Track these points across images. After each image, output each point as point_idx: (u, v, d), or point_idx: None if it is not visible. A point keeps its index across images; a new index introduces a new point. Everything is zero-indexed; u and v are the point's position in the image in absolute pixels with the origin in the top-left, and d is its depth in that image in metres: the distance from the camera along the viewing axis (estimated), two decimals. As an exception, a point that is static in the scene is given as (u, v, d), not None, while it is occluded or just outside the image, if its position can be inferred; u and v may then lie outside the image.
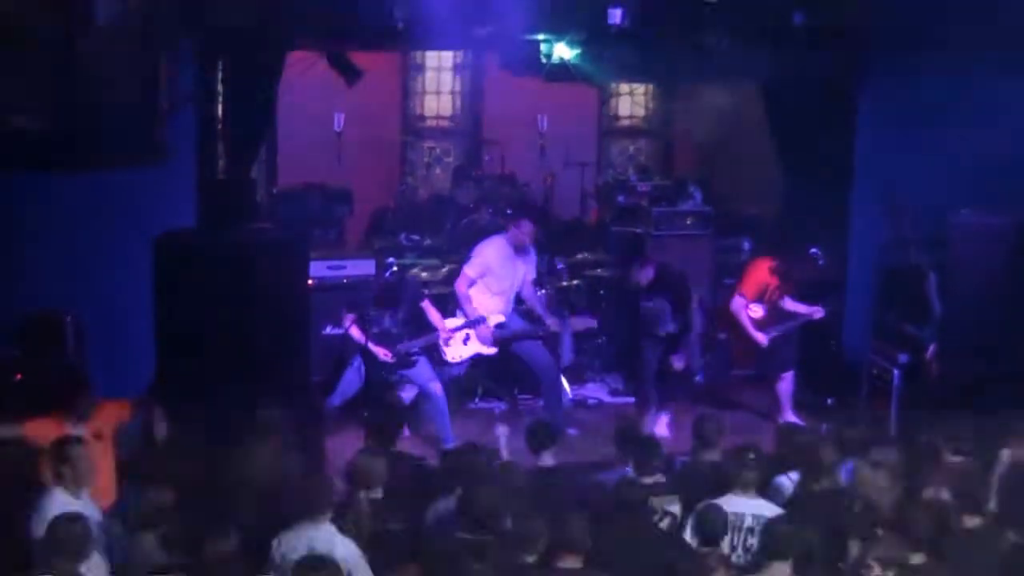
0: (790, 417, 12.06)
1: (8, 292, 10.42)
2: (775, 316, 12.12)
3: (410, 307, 11.62)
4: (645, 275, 11.86)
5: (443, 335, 11.71)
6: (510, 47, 12.21)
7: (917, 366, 11.67)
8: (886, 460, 8.70)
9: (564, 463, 9.35)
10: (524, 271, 12.18)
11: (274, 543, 7.53)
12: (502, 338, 11.97)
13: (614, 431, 9.37)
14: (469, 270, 12.00)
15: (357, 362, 11.38)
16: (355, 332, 11.28)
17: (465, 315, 11.91)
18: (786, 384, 12.24)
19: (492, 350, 12.02)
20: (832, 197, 13.05)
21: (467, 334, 11.91)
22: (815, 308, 12.23)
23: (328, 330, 12.40)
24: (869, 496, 8.24)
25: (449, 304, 12.63)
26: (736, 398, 12.95)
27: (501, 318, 11.95)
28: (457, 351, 12.00)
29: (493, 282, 11.99)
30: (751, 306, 12.07)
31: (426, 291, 12.36)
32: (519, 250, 12.05)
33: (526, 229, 12.01)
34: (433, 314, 11.80)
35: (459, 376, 12.34)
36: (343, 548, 7.43)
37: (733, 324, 12.15)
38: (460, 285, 11.99)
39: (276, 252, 9.99)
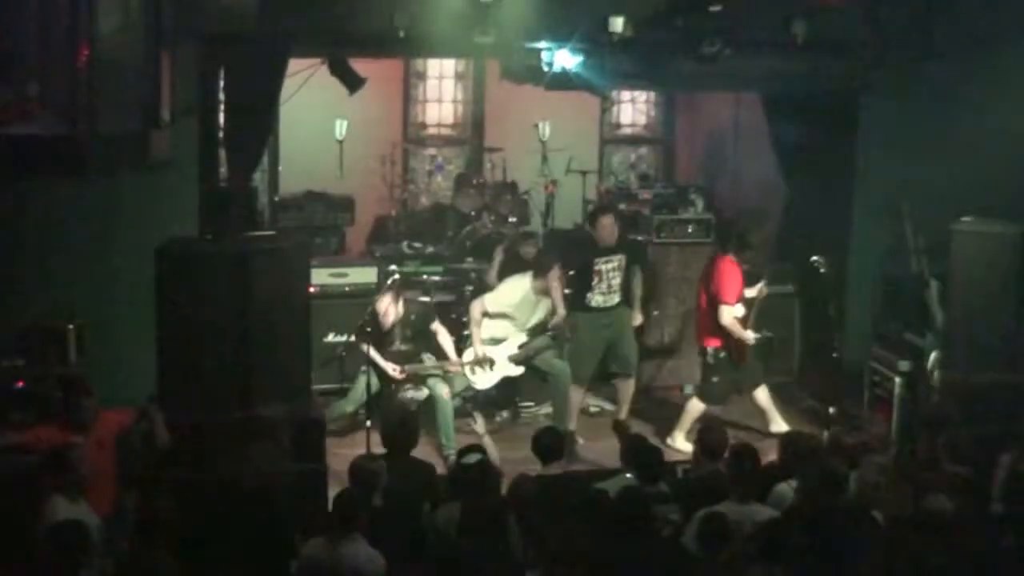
0: (782, 425, 12.06)
1: (10, 299, 10.43)
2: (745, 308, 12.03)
3: (422, 327, 11.68)
4: None
5: (451, 368, 11.76)
6: (512, 55, 12.22)
7: (919, 374, 11.65)
8: (887, 468, 8.72)
9: (567, 471, 9.35)
10: (540, 312, 12.12)
11: (302, 552, 7.57)
12: (525, 358, 12.01)
13: (620, 441, 9.37)
14: (489, 303, 11.94)
15: (368, 371, 11.38)
16: (368, 349, 11.29)
17: (472, 338, 11.94)
18: (764, 393, 12.23)
19: (519, 370, 12.05)
20: (833, 205, 13.05)
21: (492, 360, 11.97)
22: (759, 286, 12.08)
23: (330, 337, 12.42)
24: (871, 504, 8.26)
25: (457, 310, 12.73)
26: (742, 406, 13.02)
27: (519, 341, 11.98)
28: (485, 378, 12.05)
29: (508, 317, 12.00)
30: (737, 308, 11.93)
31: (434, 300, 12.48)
32: (538, 292, 11.99)
33: (554, 275, 11.91)
34: (444, 339, 11.87)
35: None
36: (370, 560, 7.47)
37: (727, 335, 11.95)
38: (475, 310, 11.95)
39: (278, 260, 9.99)
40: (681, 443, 11.93)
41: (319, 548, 7.60)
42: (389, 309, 11.45)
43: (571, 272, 12.00)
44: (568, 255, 12.20)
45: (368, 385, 11.19)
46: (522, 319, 12.03)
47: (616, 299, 11.85)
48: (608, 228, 11.72)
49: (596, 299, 11.78)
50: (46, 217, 10.56)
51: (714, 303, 11.74)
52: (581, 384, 11.97)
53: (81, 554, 7.11)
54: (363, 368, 11.48)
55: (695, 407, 12.13)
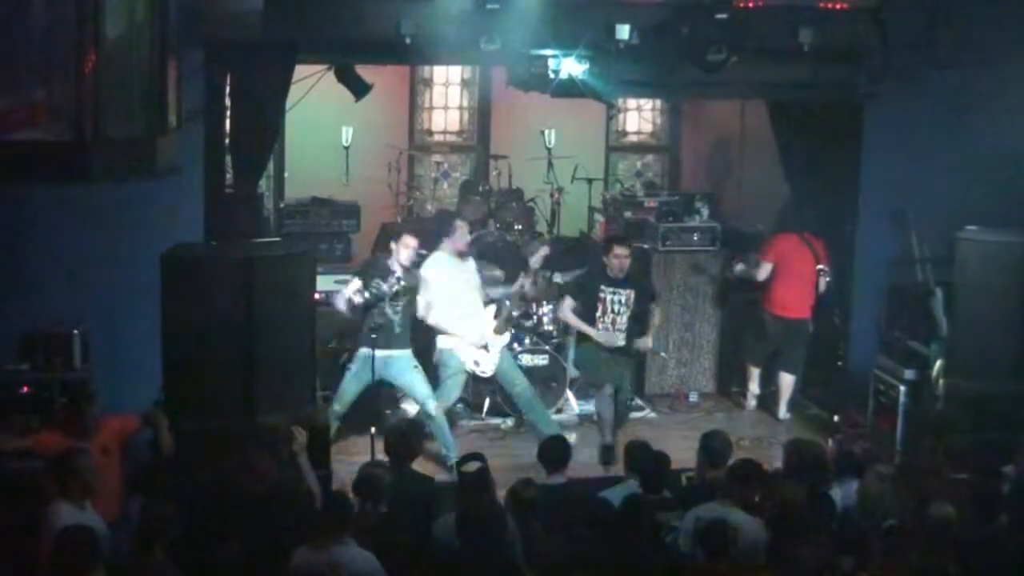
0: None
1: (15, 305, 10.44)
2: None
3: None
4: None
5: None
6: (518, 63, 12.23)
7: (923, 383, 11.65)
8: (891, 476, 8.72)
9: (571, 479, 9.35)
10: (471, 278, 12.15)
11: (293, 557, 7.56)
12: (507, 321, 12.19)
13: (623, 448, 9.37)
14: (422, 297, 11.73)
15: (355, 367, 11.38)
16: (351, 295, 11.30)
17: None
18: None
19: (507, 336, 12.19)
20: (838, 213, 13.05)
21: (485, 342, 12.00)
22: None
23: (335, 344, 12.43)
24: (874, 512, 8.26)
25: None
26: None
27: (488, 311, 12.05)
28: (489, 361, 12.07)
29: (451, 299, 11.87)
30: None
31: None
32: (460, 257, 12.02)
33: (459, 234, 11.94)
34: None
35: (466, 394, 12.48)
36: (364, 562, 7.46)
37: None
38: (428, 318, 11.79)
39: (283, 266, 9.99)
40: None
41: (309, 554, 7.57)
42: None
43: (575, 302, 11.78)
44: (575, 283, 12.08)
45: (369, 383, 11.20)
46: (462, 291, 11.98)
47: (621, 340, 11.58)
48: (620, 258, 11.50)
49: (600, 336, 11.55)
50: (52, 223, 10.58)
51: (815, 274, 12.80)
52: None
53: (88, 559, 7.10)
54: (349, 366, 11.48)
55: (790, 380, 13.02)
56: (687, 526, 8.16)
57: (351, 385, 11.39)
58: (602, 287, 11.52)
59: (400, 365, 11.39)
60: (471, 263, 12.21)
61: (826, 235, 12.97)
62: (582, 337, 11.87)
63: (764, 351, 13.16)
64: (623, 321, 11.55)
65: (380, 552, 7.65)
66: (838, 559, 7.82)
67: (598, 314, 11.52)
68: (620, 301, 11.51)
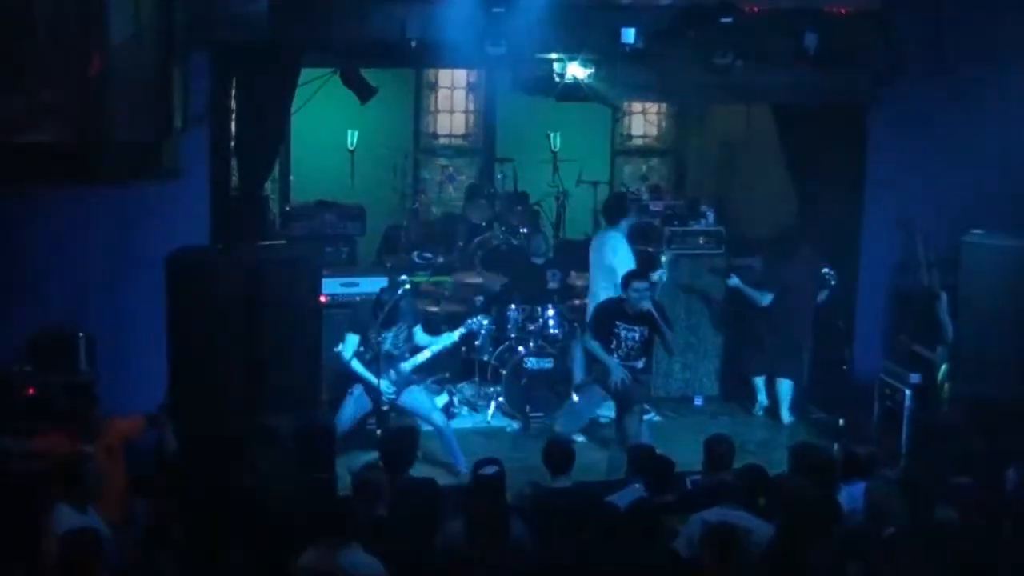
0: None
1: (21, 307, 10.45)
2: None
3: (408, 329, 11.62)
4: None
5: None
6: (523, 66, 12.23)
7: (929, 387, 11.64)
8: (896, 480, 8.73)
9: (577, 482, 9.34)
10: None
11: (300, 561, 7.55)
12: None
13: (628, 453, 9.36)
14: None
15: (357, 391, 11.34)
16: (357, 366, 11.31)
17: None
18: None
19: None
20: (844, 217, 13.04)
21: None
22: None
23: (339, 348, 12.43)
24: (879, 516, 8.25)
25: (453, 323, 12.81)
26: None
27: None
28: None
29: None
30: None
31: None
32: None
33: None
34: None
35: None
36: (369, 567, 7.45)
37: None
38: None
39: (288, 269, 10.00)
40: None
41: (316, 558, 7.55)
42: None
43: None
44: (595, 319, 11.98)
45: (374, 400, 11.19)
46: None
47: (640, 364, 11.55)
48: (640, 293, 11.34)
49: (619, 371, 11.41)
50: (57, 225, 10.59)
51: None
52: None
53: (94, 562, 7.10)
54: (352, 392, 11.45)
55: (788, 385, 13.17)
56: (692, 530, 8.15)
57: (352, 410, 11.37)
58: (617, 323, 11.44)
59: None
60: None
61: (831, 239, 12.97)
62: None
63: (764, 362, 13.13)
64: (637, 352, 11.50)
65: (381, 556, 7.63)
66: (844, 563, 7.82)
67: (612, 345, 11.46)
68: (634, 338, 11.45)
